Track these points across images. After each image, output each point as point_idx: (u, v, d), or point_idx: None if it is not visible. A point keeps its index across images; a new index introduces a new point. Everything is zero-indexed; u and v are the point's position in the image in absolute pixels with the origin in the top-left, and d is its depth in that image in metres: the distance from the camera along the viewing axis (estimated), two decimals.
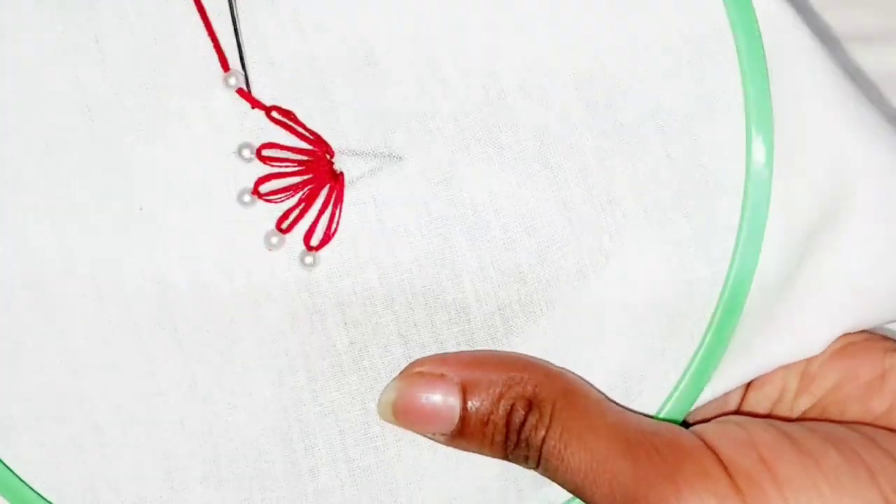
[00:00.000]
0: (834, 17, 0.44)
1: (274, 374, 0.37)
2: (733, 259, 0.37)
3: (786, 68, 0.37)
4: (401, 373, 0.37)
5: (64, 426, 0.37)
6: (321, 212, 0.37)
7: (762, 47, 0.36)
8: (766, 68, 0.36)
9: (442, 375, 0.36)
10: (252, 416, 0.38)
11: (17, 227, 0.36)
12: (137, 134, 0.37)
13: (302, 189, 0.37)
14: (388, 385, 0.37)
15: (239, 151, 0.36)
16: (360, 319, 0.37)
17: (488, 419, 0.35)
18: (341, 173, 0.37)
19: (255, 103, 0.36)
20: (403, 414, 0.36)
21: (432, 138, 0.37)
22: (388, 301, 0.37)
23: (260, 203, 0.37)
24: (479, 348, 0.38)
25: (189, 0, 0.36)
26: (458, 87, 0.37)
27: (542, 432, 0.35)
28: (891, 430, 0.35)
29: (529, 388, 0.35)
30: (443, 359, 0.37)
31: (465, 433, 0.36)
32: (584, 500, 0.36)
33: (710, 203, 0.37)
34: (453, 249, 0.37)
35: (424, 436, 0.37)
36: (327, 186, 0.37)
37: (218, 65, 0.36)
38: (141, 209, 0.37)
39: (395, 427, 0.37)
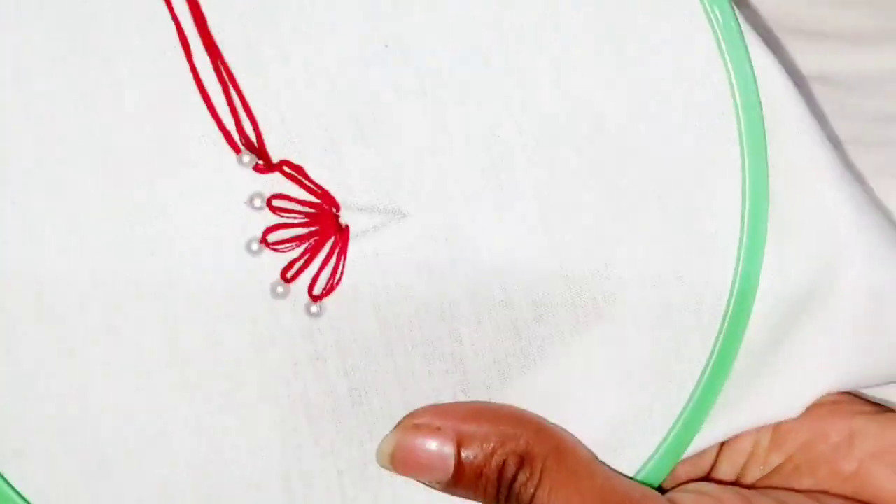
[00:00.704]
0: (828, 18, 0.45)
1: (276, 417, 0.39)
2: (723, 323, 0.38)
3: (784, 142, 0.38)
4: (398, 424, 0.38)
5: (72, 457, 0.39)
6: (325, 262, 0.38)
7: (762, 121, 0.37)
8: (766, 142, 0.37)
9: (438, 428, 0.37)
10: (253, 455, 0.39)
11: (34, 268, 0.38)
12: (151, 181, 0.38)
13: (308, 240, 0.38)
14: (385, 436, 0.38)
15: (250, 200, 0.38)
16: (361, 366, 0.39)
17: (481, 472, 0.37)
18: (346, 226, 0.38)
19: (270, 169, 0.37)
20: (401, 464, 0.38)
21: (436, 196, 0.38)
22: (387, 350, 0.39)
23: (267, 252, 0.38)
24: (474, 399, 0.39)
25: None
26: (464, 147, 0.38)
27: (531, 490, 0.37)
28: (857, 497, 0.37)
29: (522, 443, 0.37)
30: (439, 411, 0.38)
31: (458, 483, 0.37)
32: None
33: (704, 268, 0.38)
34: (452, 304, 0.38)
35: (420, 482, 0.38)
36: (332, 238, 0.38)
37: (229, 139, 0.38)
38: (153, 255, 0.38)
39: (392, 477, 0.39)
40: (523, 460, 0.37)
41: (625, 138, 0.38)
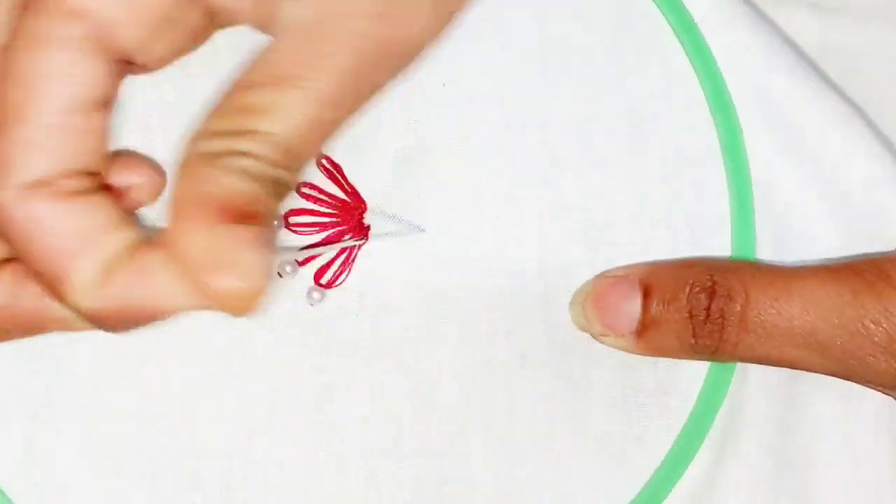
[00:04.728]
0: None
1: (239, 395, 0.39)
2: (689, 419, 0.40)
3: None
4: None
5: (23, 386, 0.38)
6: (337, 255, 0.39)
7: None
8: None
9: (625, 274, 0.39)
10: (204, 429, 0.39)
11: None
12: None
13: (328, 229, 0.40)
14: (579, 289, 0.40)
15: None
16: (336, 367, 0.39)
17: (672, 297, 0.38)
18: (368, 227, 0.40)
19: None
20: (594, 302, 0.39)
21: (453, 223, 0.40)
22: (366, 358, 0.39)
23: (284, 231, 0.39)
24: (433, 427, 0.39)
25: None
26: (487, 191, 0.40)
27: (735, 304, 0.37)
28: None
29: (707, 265, 0.38)
30: (623, 266, 0.40)
31: (647, 316, 0.38)
32: (794, 358, 0.37)
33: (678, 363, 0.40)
34: (439, 326, 0.39)
35: (609, 342, 0.39)
36: (350, 235, 0.40)
37: None
38: None
39: (330, 483, 0.38)
40: (714, 280, 0.37)
41: (628, 237, 0.41)
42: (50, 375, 0.38)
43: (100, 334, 0.36)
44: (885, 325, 0.37)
